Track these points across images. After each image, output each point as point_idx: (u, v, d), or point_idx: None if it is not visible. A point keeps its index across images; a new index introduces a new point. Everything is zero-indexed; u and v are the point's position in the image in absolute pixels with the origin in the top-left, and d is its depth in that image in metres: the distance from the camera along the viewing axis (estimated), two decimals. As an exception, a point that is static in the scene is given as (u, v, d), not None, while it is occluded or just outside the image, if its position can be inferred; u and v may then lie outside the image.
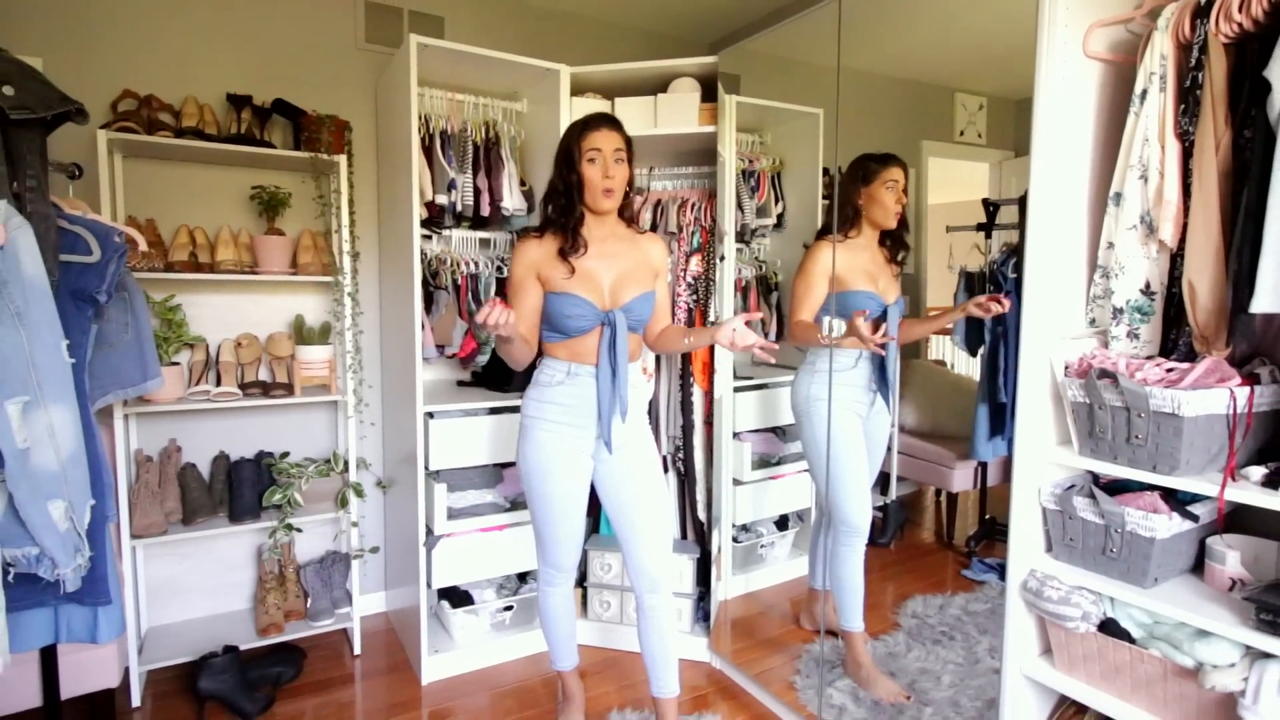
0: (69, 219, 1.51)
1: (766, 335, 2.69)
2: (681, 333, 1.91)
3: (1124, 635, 1.45)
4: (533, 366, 1.87)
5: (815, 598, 2.41)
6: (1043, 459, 1.54)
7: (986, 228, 2.41)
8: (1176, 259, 1.41)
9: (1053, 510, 1.53)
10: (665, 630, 1.89)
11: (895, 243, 2.17)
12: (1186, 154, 1.36)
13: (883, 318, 2.10)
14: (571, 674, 2.08)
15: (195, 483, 2.33)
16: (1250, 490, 1.27)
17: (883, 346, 1.89)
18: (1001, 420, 2.29)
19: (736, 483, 2.57)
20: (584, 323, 1.74)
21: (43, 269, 1.30)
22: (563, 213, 1.77)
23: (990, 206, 2.41)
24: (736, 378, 2.55)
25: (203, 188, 2.43)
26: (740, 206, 2.59)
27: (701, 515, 2.56)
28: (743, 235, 2.66)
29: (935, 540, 2.97)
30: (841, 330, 2.03)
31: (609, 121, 1.78)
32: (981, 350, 2.40)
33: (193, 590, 2.52)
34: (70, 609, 1.53)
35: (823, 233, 2.15)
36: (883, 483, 2.84)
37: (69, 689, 1.75)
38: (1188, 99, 1.35)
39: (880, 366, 2.13)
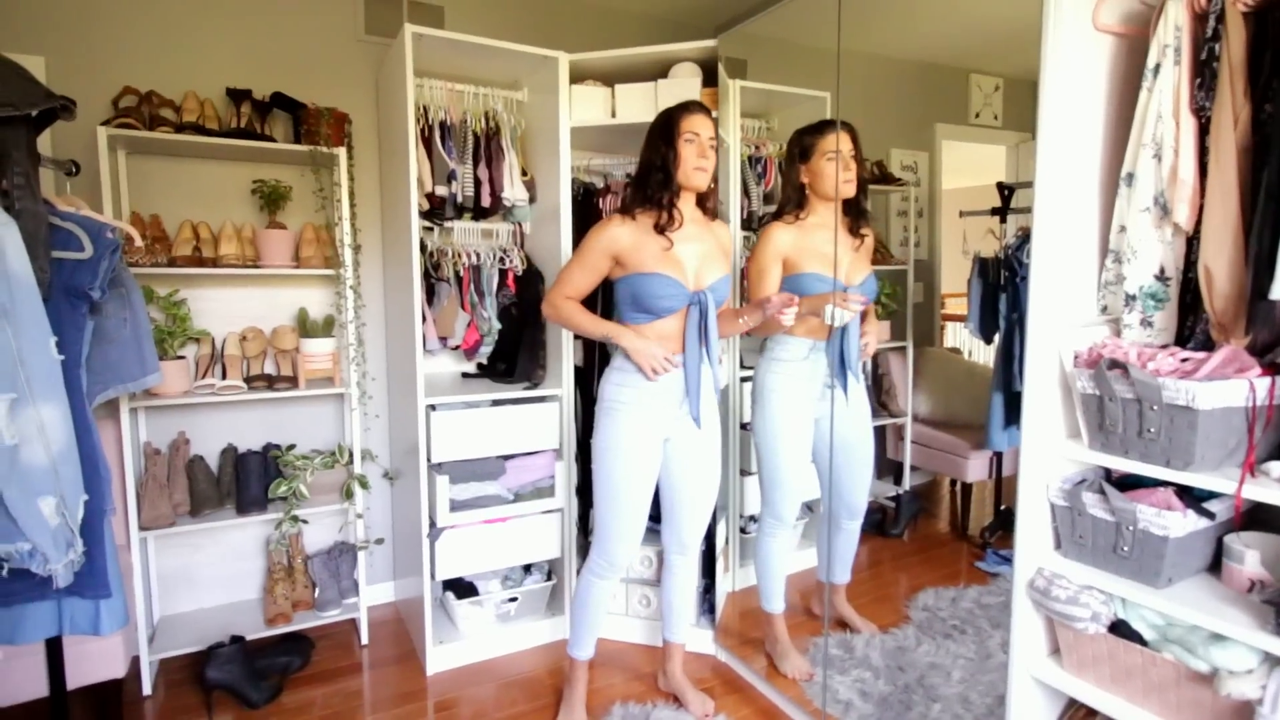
0: (61, 215, 1.51)
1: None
2: (734, 313, 1.90)
3: (1136, 637, 1.39)
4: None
5: (823, 589, 2.37)
6: (1051, 453, 1.48)
7: (1001, 212, 2.34)
8: (1192, 242, 1.34)
9: (1061, 506, 1.47)
10: (686, 584, 2.12)
11: (855, 213, 2.07)
12: (1203, 131, 1.28)
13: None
14: (584, 665, 2.08)
15: (203, 475, 2.36)
16: (1270, 487, 1.20)
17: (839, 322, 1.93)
18: (1017, 409, 2.21)
19: (744, 473, 2.53)
20: (674, 303, 1.80)
21: (29, 266, 1.30)
22: (662, 187, 1.82)
23: (1005, 190, 2.33)
24: (743, 368, 2.51)
25: (205, 183, 2.43)
26: (747, 193, 2.54)
27: (708, 507, 2.53)
28: (750, 222, 2.60)
29: (949, 531, 2.91)
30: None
31: (706, 110, 1.87)
32: (996, 337, 2.34)
33: (204, 581, 2.55)
34: (73, 602, 1.54)
35: (777, 215, 2.10)
36: (895, 473, 2.78)
37: (75, 679, 1.78)
38: (1204, 72, 1.28)
39: (840, 358, 2.05)
